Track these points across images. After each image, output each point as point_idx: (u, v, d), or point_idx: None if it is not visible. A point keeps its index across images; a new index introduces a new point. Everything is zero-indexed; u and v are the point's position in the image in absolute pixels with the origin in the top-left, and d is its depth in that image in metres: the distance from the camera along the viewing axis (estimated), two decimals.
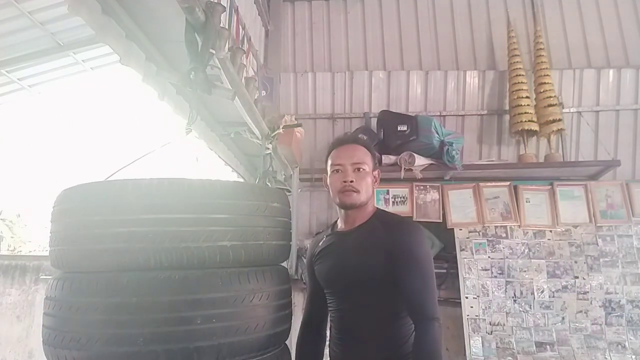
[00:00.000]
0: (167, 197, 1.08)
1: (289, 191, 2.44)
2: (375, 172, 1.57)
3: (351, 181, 1.48)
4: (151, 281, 1.05)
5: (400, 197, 3.44)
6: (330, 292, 1.55)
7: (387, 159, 3.37)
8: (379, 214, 1.56)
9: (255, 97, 2.35)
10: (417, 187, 3.43)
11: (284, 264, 1.45)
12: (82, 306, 1.06)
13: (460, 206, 3.39)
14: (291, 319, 1.39)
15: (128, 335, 1.02)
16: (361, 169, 1.50)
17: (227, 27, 2.05)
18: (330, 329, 1.59)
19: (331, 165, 1.54)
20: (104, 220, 1.08)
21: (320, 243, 1.62)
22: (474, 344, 3.04)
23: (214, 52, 1.48)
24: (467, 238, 3.30)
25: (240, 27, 2.47)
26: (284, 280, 1.34)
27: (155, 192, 1.09)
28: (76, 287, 1.09)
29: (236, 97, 1.85)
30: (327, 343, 1.64)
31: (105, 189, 1.15)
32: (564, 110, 3.56)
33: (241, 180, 3.15)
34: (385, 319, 1.44)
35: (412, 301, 1.39)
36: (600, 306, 3.10)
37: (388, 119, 3.52)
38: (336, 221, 1.67)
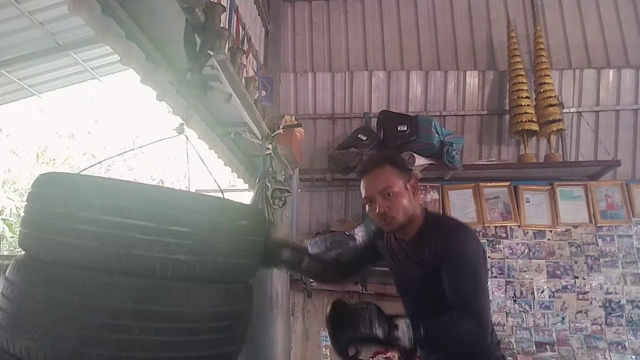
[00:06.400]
0: (128, 202, 1.05)
1: (289, 191, 2.44)
2: (410, 183, 1.49)
3: (384, 211, 1.44)
4: (96, 283, 1.02)
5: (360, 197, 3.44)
6: (401, 300, 1.63)
7: None
8: (429, 223, 1.50)
9: (255, 97, 2.35)
10: None
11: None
12: (28, 293, 1.05)
13: (460, 206, 3.39)
14: (243, 340, 1.34)
15: (62, 333, 1.00)
16: (390, 193, 1.44)
17: (227, 27, 2.05)
18: None
19: (363, 197, 1.52)
20: (64, 213, 1.07)
21: (386, 235, 1.63)
22: None
23: (212, 53, 1.47)
24: None
25: (240, 27, 2.47)
26: (241, 301, 1.28)
27: (117, 194, 1.07)
28: (27, 273, 1.08)
29: (235, 98, 1.85)
30: None
31: (73, 182, 1.14)
32: (564, 110, 3.56)
33: (241, 183, 3.15)
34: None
35: (452, 296, 1.34)
36: (600, 306, 3.10)
37: (388, 119, 3.52)
38: None
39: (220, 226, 1.17)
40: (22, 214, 1.20)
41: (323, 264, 1.71)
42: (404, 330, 1.24)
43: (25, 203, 1.20)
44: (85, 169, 1.32)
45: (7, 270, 1.14)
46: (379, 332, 1.24)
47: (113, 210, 1.04)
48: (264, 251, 1.39)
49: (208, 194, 2.00)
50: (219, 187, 1.57)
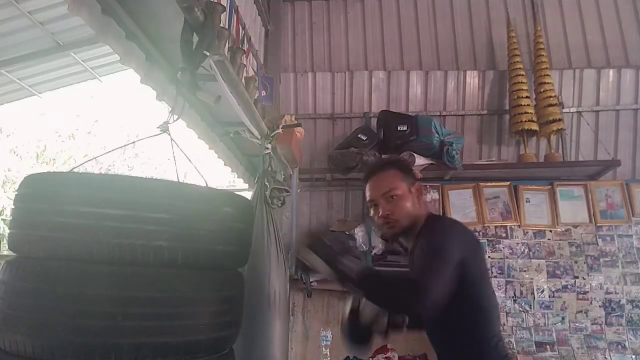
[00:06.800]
0: (106, 192, 1.09)
1: (288, 191, 2.44)
2: (414, 187, 1.49)
3: (387, 214, 1.44)
4: (78, 273, 1.05)
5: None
6: None
7: None
8: (426, 224, 1.48)
9: (255, 97, 2.34)
10: None
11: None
12: (15, 290, 1.09)
13: (460, 206, 3.39)
14: (238, 325, 1.35)
15: (48, 324, 1.03)
16: (394, 196, 1.44)
17: (227, 27, 2.05)
18: None
19: (367, 201, 1.53)
20: (44, 209, 1.11)
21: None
22: None
23: (208, 53, 1.46)
24: None
25: (240, 27, 2.47)
26: (228, 287, 1.29)
27: (95, 186, 1.10)
28: (14, 270, 1.12)
29: (234, 98, 1.85)
30: None
31: (53, 179, 1.18)
32: (564, 110, 3.56)
33: (240, 180, 3.16)
34: (450, 335, 1.43)
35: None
36: (600, 306, 3.10)
37: (388, 119, 3.52)
38: None
39: (202, 213, 1.18)
40: (10, 216, 1.24)
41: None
42: (350, 262, 1.27)
43: (12, 206, 1.24)
44: (77, 166, 1.36)
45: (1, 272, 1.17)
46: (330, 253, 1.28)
47: (91, 201, 1.07)
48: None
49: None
50: (205, 181, 1.56)
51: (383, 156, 3.39)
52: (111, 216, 1.06)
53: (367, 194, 1.52)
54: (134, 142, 1.83)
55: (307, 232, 1.33)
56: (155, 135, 1.48)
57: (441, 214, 3.28)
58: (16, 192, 1.22)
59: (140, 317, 1.05)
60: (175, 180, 1.36)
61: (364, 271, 1.28)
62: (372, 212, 1.52)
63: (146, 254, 1.08)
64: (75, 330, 1.02)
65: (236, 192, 1.84)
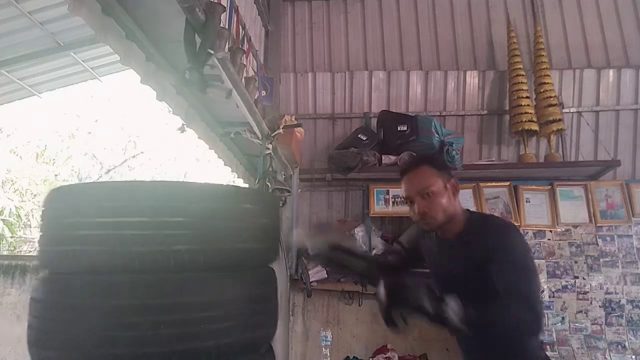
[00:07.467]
0: (119, 201, 1.07)
1: (289, 191, 2.44)
2: (449, 183, 1.52)
3: (424, 211, 1.48)
4: (100, 284, 1.04)
5: (400, 197, 3.43)
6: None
7: (387, 159, 3.37)
8: (474, 221, 1.53)
9: (255, 97, 2.35)
10: None
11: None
12: (47, 306, 1.09)
13: None
14: (272, 323, 1.32)
15: (78, 338, 1.02)
16: (429, 193, 1.48)
17: (227, 27, 2.05)
18: None
19: (403, 198, 1.57)
20: (64, 223, 1.10)
21: (426, 235, 1.65)
22: None
23: (212, 52, 1.47)
24: None
25: (240, 27, 2.47)
26: (257, 285, 1.25)
27: (107, 196, 1.09)
28: (45, 287, 1.12)
29: (236, 96, 1.85)
30: None
31: (69, 192, 1.18)
32: (564, 110, 3.56)
33: (241, 181, 3.16)
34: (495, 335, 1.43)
35: (506, 289, 1.33)
36: (600, 306, 3.09)
37: (388, 119, 3.52)
38: None
39: (220, 212, 1.15)
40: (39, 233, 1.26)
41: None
42: (454, 309, 1.22)
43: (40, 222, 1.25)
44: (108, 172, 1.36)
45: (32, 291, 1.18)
46: (427, 305, 1.22)
47: (107, 211, 1.06)
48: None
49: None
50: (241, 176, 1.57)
51: (386, 156, 3.40)
52: (129, 224, 1.05)
53: (403, 191, 1.55)
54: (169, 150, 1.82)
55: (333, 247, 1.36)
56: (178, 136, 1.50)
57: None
58: (42, 209, 1.22)
59: (166, 324, 1.03)
60: (194, 181, 1.35)
61: (465, 319, 1.24)
62: (408, 208, 1.55)
63: (167, 260, 1.06)
64: (103, 343, 1.01)
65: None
